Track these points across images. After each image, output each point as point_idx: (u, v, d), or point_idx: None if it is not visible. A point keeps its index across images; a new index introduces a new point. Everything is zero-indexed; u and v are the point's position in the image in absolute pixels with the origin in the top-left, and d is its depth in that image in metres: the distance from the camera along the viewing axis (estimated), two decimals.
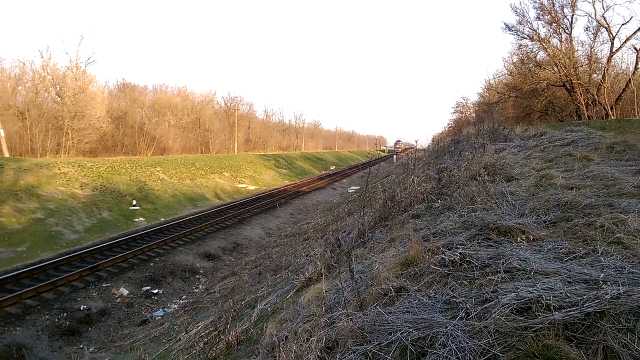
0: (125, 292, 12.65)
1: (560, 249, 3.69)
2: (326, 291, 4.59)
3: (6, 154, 28.41)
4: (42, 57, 41.22)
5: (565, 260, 3.39)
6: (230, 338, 5.44)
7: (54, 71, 39.41)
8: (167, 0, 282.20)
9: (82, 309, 11.31)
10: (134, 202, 23.28)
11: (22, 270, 12.65)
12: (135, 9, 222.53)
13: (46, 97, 39.64)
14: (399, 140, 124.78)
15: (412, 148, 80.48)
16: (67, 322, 10.63)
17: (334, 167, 66.58)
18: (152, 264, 14.75)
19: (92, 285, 12.61)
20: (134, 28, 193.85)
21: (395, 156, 65.31)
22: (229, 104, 74.80)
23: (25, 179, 20.54)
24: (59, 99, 39.46)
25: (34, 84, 39.26)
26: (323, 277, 5.47)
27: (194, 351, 6.48)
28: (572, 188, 5.77)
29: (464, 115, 56.23)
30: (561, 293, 2.65)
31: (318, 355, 2.95)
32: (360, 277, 4.38)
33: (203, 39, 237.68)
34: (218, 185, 33.65)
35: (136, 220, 21.43)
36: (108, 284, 12.85)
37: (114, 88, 59.12)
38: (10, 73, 40.66)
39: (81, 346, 9.96)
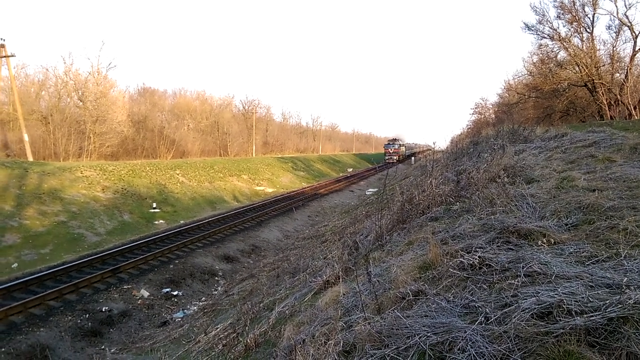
0: (145, 293, 12.82)
1: (582, 252, 3.62)
2: (344, 294, 4.58)
3: (30, 158, 29.04)
4: (65, 62, 42.43)
5: (587, 264, 3.33)
6: (248, 340, 5.46)
7: (76, 76, 40.25)
8: (187, 6, 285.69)
9: (103, 310, 11.50)
10: (154, 205, 23.59)
11: (45, 272, 12.93)
12: (155, 15, 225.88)
13: (69, 102, 40.52)
14: (394, 140, 73.59)
15: (425, 150, 74.52)
16: (89, 324, 10.81)
17: (351, 169, 66.45)
18: (171, 266, 14.92)
19: (113, 287, 12.81)
20: (153, 34, 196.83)
21: (413, 158, 62.31)
22: (246, 107, 75.44)
23: (49, 182, 20.98)
24: (81, 103, 40.28)
25: (56, 89, 40.20)
26: (340, 280, 5.45)
27: (213, 353, 6.53)
28: (594, 190, 5.66)
29: (483, 116, 55.68)
30: (583, 298, 2.60)
31: (335, 359, 2.94)
32: (378, 281, 4.36)
33: (221, 43, 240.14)
34: (236, 188, 33.89)
35: (156, 222, 21.71)
36: (129, 286, 13.04)
37: (135, 92, 60.32)
38: (34, 79, 41.76)
39: (103, 347, 10.12)
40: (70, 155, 35.98)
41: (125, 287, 12.97)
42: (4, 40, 28.90)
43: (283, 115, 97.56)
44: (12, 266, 14.03)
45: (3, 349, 9.12)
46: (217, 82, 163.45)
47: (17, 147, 32.84)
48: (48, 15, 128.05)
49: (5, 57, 29.10)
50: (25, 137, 29.88)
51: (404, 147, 75.57)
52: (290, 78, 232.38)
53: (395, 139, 74.66)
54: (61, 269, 13.28)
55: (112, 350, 9.98)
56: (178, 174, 30.42)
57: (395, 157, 68.84)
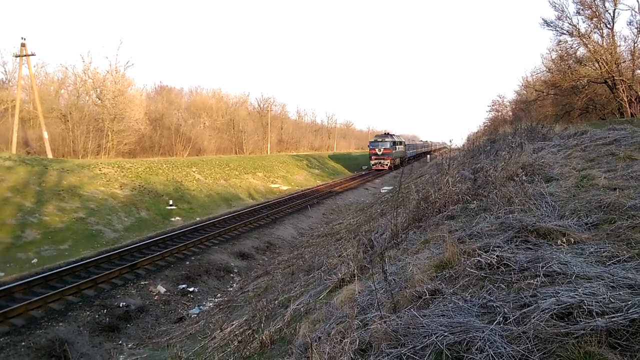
0: (162, 289, 12.95)
1: (603, 252, 3.56)
2: (359, 292, 4.57)
3: (50, 155, 29.56)
4: (84, 61, 43.22)
5: (609, 264, 3.27)
6: (264, 337, 5.47)
7: (94, 75, 40.91)
8: (203, 5, 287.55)
9: (121, 305, 11.65)
10: (171, 202, 23.82)
11: (64, 268, 13.15)
12: (171, 14, 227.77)
13: (87, 100, 41.23)
14: (386, 135, 54.14)
15: (439, 149, 70.76)
16: (107, 319, 10.96)
17: (366, 167, 66.10)
18: (188, 263, 15.05)
19: (130, 283, 12.97)
20: (170, 32, 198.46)
21: (429, 156, 58.47)
22: (262, 105, 75.88)
23: (68, 179, 21.32)
24: (99, 101, 40.92)
25: (75, 87, 40.89)
26: (356, 278, 5.44)
27: (229, 349, 6.56)
28: (615, 189, 5.55)
29: (500, 113, 55.30)
30: (604, 298, 2.55)
31: (351, 357, 2.93)
32: (394, 279, 4.34)
33: (237, 42, 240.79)
34: (252, 186, 34.06)
35: (173, 219, 21.93)
36: (146, 282, 13.19)
37: (152, 91, 61.15)
38: (53, 77, 42.57)
39: (120, 342, 10.26)
40: (89, 152, 36.56)
41: (142, 283, 13.12)
42: (25, 39, 29.47)
43: (298, 113, 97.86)
44: (32, 261, 14.31)
45: (23, 343, 9.29)
46: (233, 80, 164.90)
47: (37, 144, 33.51)
48: (67, 15, 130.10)
49: (25, 55, 29.64)
50: (45, 135, 30.44)
51: (402, 146, 55.89)
52: (306, 76, 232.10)
53: (388, 133, 54.59)
54: (80, 264, 13.50)
55: (129, 346, 10.11)
56: (194, 172, 30.67)
57: (386, 163, 49.12)
